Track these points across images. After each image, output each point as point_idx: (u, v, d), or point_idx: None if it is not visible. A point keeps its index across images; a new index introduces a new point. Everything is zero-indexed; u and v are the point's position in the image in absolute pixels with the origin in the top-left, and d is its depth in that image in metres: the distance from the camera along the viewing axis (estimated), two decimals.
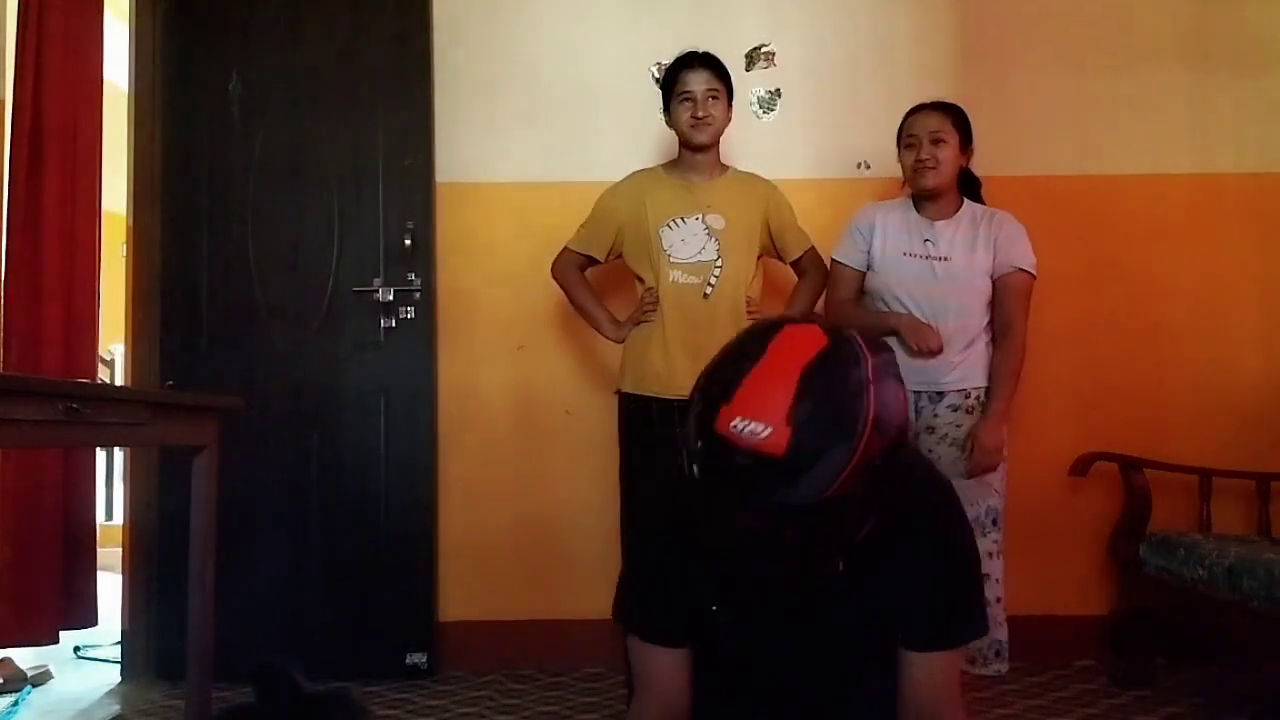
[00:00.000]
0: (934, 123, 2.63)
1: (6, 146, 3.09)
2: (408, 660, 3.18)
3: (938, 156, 2.61)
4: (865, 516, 1.25)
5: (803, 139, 3.35)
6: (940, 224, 2.67)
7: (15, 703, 2.93)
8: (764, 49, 3.37)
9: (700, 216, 2.72)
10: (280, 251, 3.27)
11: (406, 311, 3.25)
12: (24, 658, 3.16)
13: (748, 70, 3.36)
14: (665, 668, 1.42)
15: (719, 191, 2.75)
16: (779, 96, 3.36)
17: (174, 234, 3.29)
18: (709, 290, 2.67)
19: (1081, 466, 3.12)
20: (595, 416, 3.25)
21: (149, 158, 3.29)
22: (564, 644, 3.22)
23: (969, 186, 2.77)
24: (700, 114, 2.69)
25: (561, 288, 2.92)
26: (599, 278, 2.98)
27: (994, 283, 2.66)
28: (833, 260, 2.81)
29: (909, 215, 2.71)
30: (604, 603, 3.27)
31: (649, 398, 2.68)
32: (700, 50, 2.78)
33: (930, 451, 2.64)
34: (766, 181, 2.87)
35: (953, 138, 2.63)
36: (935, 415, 2.62)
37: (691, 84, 2.70)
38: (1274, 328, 3.32)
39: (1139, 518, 3.08)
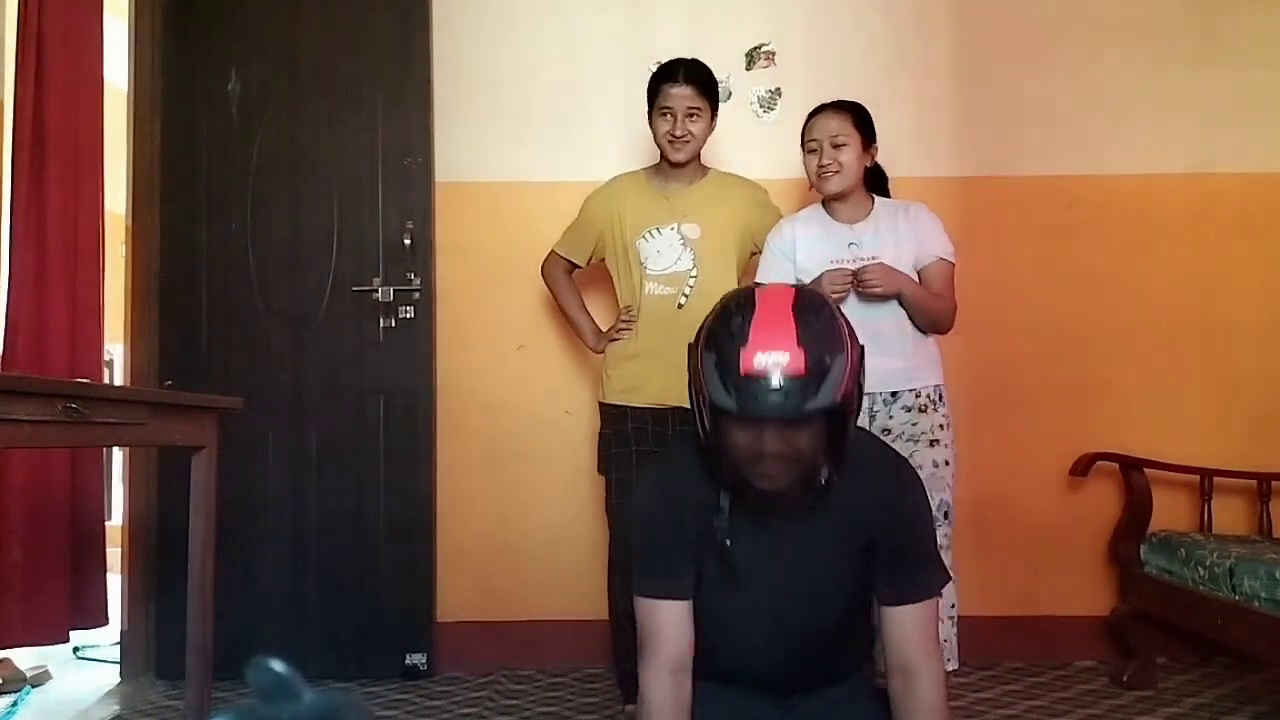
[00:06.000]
0: (833, 125, 2.59)
1: (8, 148, 3.08)
2: (407, 661, 3.18)
3: (839, 160, 2.56)
4: (850, 429, 1.54)
5: None
6: (859, 225, 2.62)
7: (14, 703, 2.93)
8: (764, 49, 3.36)
9: (676, 226, 2.71)
10: (279, 251, 3.27)
11: (406, 311, 3.24)
12: (23, 658, 3.15)
13: (748, 70, 3.36)
14: (671, 618, 1.62)
15: (695, 198, 2.74)
16: (779, 96, 3.36)
17: (173, 234, 3.28)
18: (683, 300, 2.69)
19: (1082, 467, 3.12)
20: (595, 417, 3.24)
21: (148, 157, 3.29)
22: (563, 644, 3.22)
23: (877, 182, 2.71)
24: (678, 132, 2.66)
25: (550, 291, 2.99)
26: (593, 272, 2.99)
27: (919, 274, 2.61)
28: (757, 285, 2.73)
29: (826, 223, 2.65)
30: (603, 603, 3.27)
31: (623, 406, 2.74)
32: (687, 59, 2.73)
33: None
34: (750, 184, 2.84)
35: (854, 139, 2.58)
36: (890, 417, 2.58)
37: (671, 100, 2.66)
38: (1274, 327, 3.32)
39: (1139, 518, 3.08)
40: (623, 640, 2.65)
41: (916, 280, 2.59)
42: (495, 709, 2.85)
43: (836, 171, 2.57)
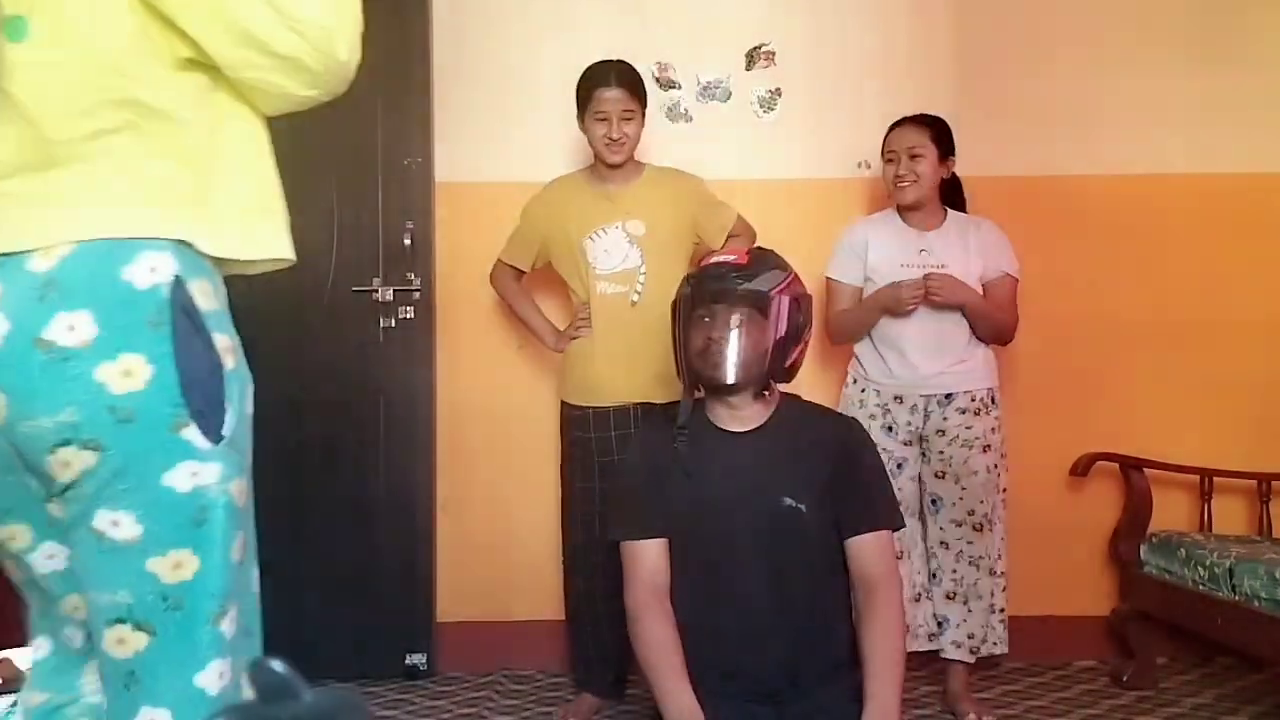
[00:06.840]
0: (911, 138, 2.72)
1: None
2: (407, 661, 3.18)
3: (916, 171, 2.71)
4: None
5: (803, 139, 3.35)
6: (932, 234, 2.76)
7: (15, 703, 2.93)
8: (764, 49, 3.36)
9: (621, 224, 2.74)
10: None
11: (406, 311, 3.24)
12: (24, 658, 3.15)
13: (748, 70, 3.36)
14: (649, 555, 1.95)
15: (636, 196, 2.77)
16: (779, 96, 3.36)
17: None
18: (636, 298, 2.71)
19: (1082, 467, 3.12)
20: None
21: None
22: (563, 644, 3.21)
23: (952, 194, 2.86)
24: (615, 135, 2.69)
25: (501, 298, 3.04)
26: (547, 276, 3.02)
27: (984, 287, 2.77)
28: (829, 279, 2.86)
29: (899, 227, 2.78)
30: None
31: (585, 407, 2.76)
32: (616, 62, 2.77)
33: (942, 454, 2.74)
34: (685, 176, 2.87)
35: (930, 151, 2.72)
36: (945, 419, 2.72)
37: (607, 104, 2.69)
38: (1275, 328, 3.32)
39: (1140, 518, 3.08)
40: (580, 630, 2.80)
41: (980, 292, 2.73)
42: (495, 709, 2.85)
43: (913, 182, 2.71)
